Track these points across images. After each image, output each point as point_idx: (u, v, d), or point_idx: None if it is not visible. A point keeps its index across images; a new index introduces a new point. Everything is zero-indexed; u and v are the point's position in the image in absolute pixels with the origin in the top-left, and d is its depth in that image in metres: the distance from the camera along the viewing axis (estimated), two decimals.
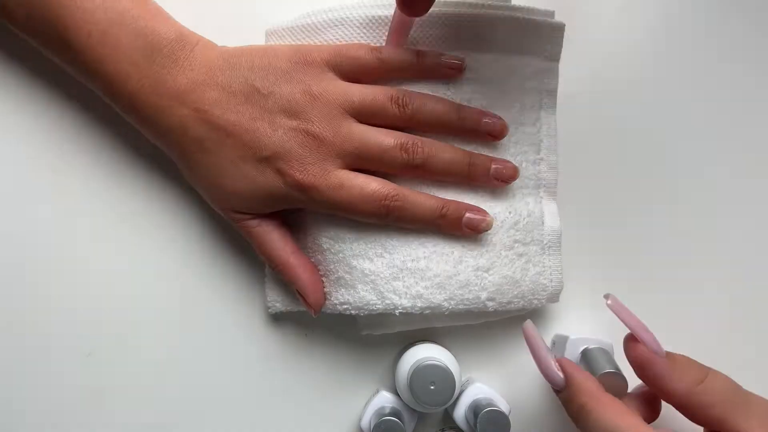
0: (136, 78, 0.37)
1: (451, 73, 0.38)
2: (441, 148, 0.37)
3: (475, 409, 0.39)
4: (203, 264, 0.42)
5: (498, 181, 0.38)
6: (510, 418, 0.38)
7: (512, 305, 0.39)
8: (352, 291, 0.38)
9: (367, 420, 0.40)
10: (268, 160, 0.36)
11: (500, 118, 0.38)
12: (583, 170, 0.44)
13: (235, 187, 0.37)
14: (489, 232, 0.38)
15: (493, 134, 0.38)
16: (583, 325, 0.43)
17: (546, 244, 0.40)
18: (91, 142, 0.42)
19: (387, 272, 0.38)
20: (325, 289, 0.39)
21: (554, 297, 0.41)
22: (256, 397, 0.42)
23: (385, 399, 0.41)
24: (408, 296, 0.37)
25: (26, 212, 0.41)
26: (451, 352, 0.41)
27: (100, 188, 0.42)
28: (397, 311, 0.37)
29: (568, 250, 0.42)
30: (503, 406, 0.40)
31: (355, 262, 0.38)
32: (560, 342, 0.42)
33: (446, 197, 0.38)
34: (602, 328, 0.42)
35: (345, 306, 0.38)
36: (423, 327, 0.41)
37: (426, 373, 0.38)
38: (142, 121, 0.38)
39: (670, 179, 0.44)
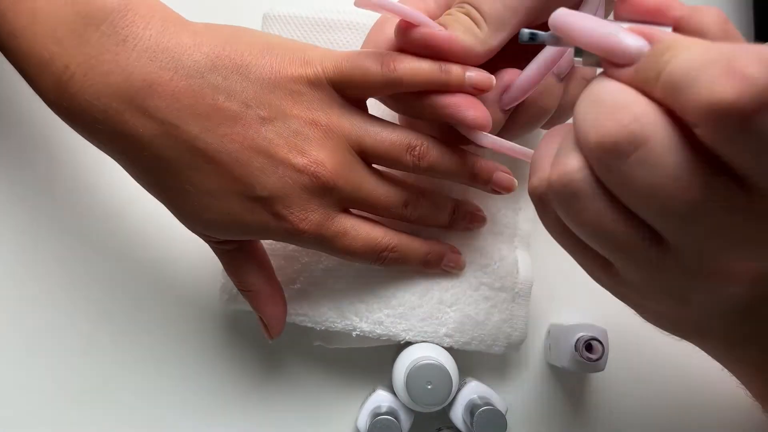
0: (62, 62, 0.27)
1: (475, 93, 0.31)
2: (442, 202, 0.36)
3: (472, 408, 0.39)
4: (202, 262, 0.42)
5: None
6: (507, 417, 0.38)
7: (470, 346, 0.39)
8: (313, 305, 0.38)
9: (363, 419, 0.40)
10: (264, 201, 0.30)
11: (510, 174, 0.35)
12: None
13: (211, 219, 0.31)
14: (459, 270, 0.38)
15: (502, 189, 0.35)
16: (580, 314, 0.43)
17: (516, 292, 0.40)
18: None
19: (351, 292, 0.37)
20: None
21: (515, 347, 0.40)
22: (251, 396, 0.42)
23: (381, 398, 0.40)
24: (368, 321, 0.37)
25: (23, 208, 0.41)
26: (448, 351, 0.41)
27: (97, 188, 0.42)
28: (354, 333, 0.37)
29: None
30: (500, 405, 0.40)
31: (320, 276, 0.37)
32: (555, 331, 0.42)
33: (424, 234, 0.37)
34: (594, 317, 0.43)
35: (302, 318, 0.38)
36: (376, 345, 0.41)
37: (423, 372, 0.38)
38: (72, 118, 0.28)
39: None
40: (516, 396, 0.43)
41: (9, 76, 0.41)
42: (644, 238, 0.23)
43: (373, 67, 0.30)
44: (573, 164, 0.23)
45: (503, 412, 0.38)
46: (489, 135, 0.32)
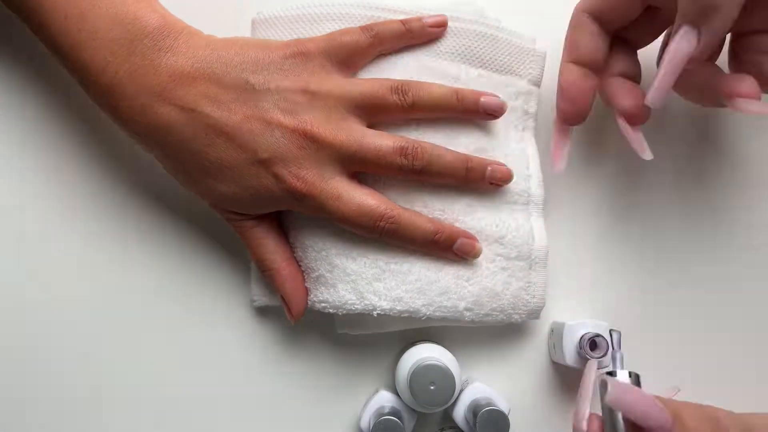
0: (113, 69, 0.34)
1: (436, 33, 0.38)
2: (440, 153, 0.37)
3: (475, 408, 0.39)
4: (200, 262, 0.42)
5: (492, 184, 0.38)
6: (509, 417, 0.38)
7: (490, 318, 0.39)
8: (331, 290, 0.38)
9: (366, 419, 0.40)
10: (265, 163, 0.35)
11: (497, 97, 0.38)
12: (581, 167, 0.44)
13: (228, 190, 0.36)
14: None
15: (491, 112, 0.38)
16: (582, 311, 0.44)
17: (533, 260, 0.40)
18: (77, 137, 0.42)
19: (369, 273, 0.38)
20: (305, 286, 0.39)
21: (535, 314, 0.41)
22: (254, 397, 0.42)
23: (384, 398, 0.40)
24: (388, 298, 0.37)
25: (23, 213, 0.41)
26: (451, 352, 0.41)
27: (94, 188, 0.42)
28: (375, 312, 0.37)
29: (569, 241, 0.43)
30: (503, 405, 0.40)
31: (337, 261, 0.38)
32: (558, 329, 0.42)
33: (437, 206, 0.38)
34: (599, 314, 0.43)
35: (323, 304, 0.38)
36: (399, 329, 0.41)
37: (426, 373, 0.38)
38: (119, 116, 0.35)
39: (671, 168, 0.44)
40: (519, 396, 0.43)
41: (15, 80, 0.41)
42: None
43: (356, 35, 0.36)
44: None
45: (506, 413, 0.38)
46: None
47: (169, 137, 0.35)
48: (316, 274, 0.39)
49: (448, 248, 0.37)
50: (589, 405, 0.35)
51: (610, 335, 0.39)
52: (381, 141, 0.36)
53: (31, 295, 0.41)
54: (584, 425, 0.34)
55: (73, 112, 0.41)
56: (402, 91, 0.36)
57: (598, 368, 0.38)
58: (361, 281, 0.38)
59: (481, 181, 0.38)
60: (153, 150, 0.36)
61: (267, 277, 0.39)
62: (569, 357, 0.40)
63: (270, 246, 0.38)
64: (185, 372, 0.42)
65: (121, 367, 0.42)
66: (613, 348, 0.39)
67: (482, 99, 0.37)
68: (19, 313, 0.41)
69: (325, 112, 0.35)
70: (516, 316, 0.40)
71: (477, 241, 0.38)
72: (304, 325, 0.42)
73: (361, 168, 0.36)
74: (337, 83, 0.36)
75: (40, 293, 0.41)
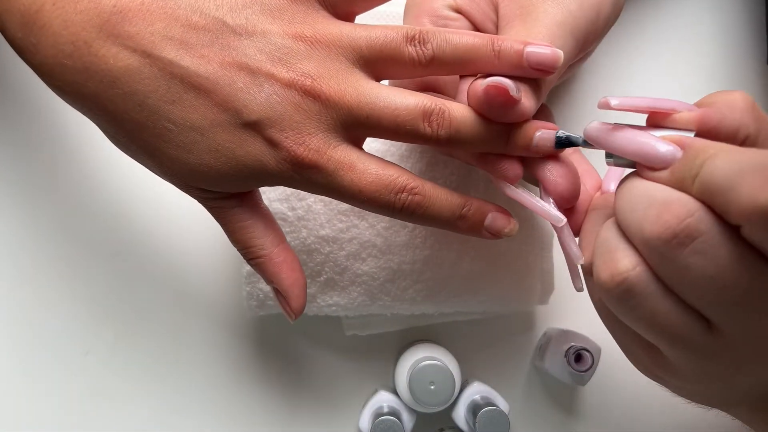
0: None
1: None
2: (470, 119, 0.28)
3: (474, 408, 0.39)
4: (200, 262, 0.42)
5: (536, 152, 0.29)
6: (509, 417, 0.38)
7: (503, 306, 0.39)
8: (342, 292, 0.37)
9: (365, 419, 0.40)
10: (254, 126, 0.27)
11: (549, 46, 0.27)
12: None
13: (199, 162, 0.27)
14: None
15: (542, 67, 0.27)
16: (581, 318, 0.43)
17: (539, 246, 0.40)
18: (84, 141, 0.41)
19: (381, 274, 0.37)
20: (309, 291, 0.37)
21: (544, 299, 0.41)
22: (253, 397, 0.42)
23: (383, 398, 0.40)
24: (401, 299, 0.37)
25: (24, 211, 0.41)
26: (451, 352, 0.41)
27: (92, 189, 0.41)
28: (389, 312, 0.37)
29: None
30: (502, 405, 0.40)
31: (346, 263, 0.37)
32: (550, 334, 0.42)
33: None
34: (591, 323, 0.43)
35: (334, 308, 0.38)
36: (409, 326, 0.41)
37: (425, 372, 0.38)
38: (41, 60, 0.26)
39: None
40: (518, 396, 0.43)
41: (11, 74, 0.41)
42: (697, 327, 0.24)
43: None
44: (626, 263, 0.24)
45: (506, 413, 0.38)
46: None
47: (114, 90, 0.26)
48: (324, 277, 0.37)
49: (479, 225, 0.30)
50: (576, 244, 0.30)
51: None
52: (398, 101, 0.28)
53: (28, 297, 0.41)
54: (581, 258, 0.29)
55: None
56: (421, 40, 0.28)
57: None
58: (373, 283, 0.37)
59: (525, 149, 0.29)
60: (90, 110, 0.28)
61: (255, 267, 0.31)
62: (555, 366, 0.39)
63: (257, 229, 0.30)
64: (183, 373, 0.42)
65: (122, 367, 0.42)
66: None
67: (528, 49, 0.27)
68: (18, 314, 0.41)
69: (326, 64, 0.27)
70: (527, 303, 0.40)
71: (512, 217, 0.30)
72: (304, 325, 0.42)
73: (371, 135, 0.29)
74: (339, 29, 0.28)
75: (34, 295, 0.41)
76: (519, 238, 0.39)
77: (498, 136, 0.28)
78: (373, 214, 0.37)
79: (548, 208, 0.29)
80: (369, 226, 0.37)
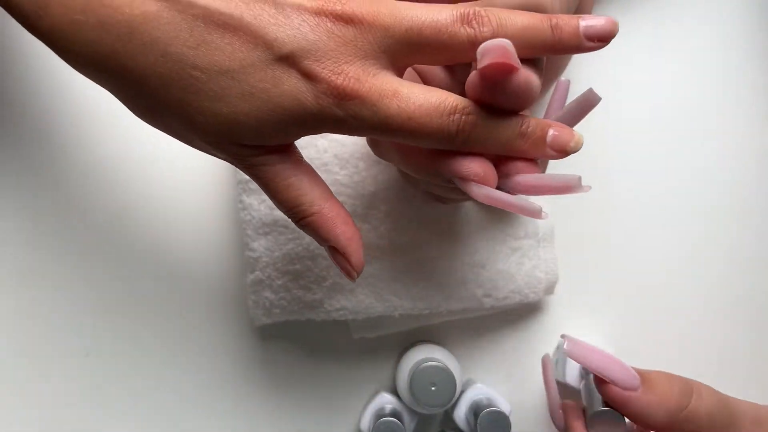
0: None
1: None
2: (511, 13, 0.26)
3: (476, 409, 0.39)
4: (203, 264, 0.42)
5: (590, 41, 0.26)
6: (510, 418, 0.38)
7: (509, 300, 0.39)
8: (349, 296, 0.38)
9: (366, 421, 0.40)
10: (288, 60, 0.25)
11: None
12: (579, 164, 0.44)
13: (235, 110, 0.25)
14: (481, 227, 0.38)
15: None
16: (581, 319, 0.43)
17: (540, 237, 0.40)
18: (85, 143, 0.41)
19: (386, 274, 0.37)
20: (316, 297, 0.38)
21: (550, 289, 0.41)
22: (255, 399, 0.42)
23: (384, 400, 0.40)
24: (408, 297, 0.37)
25: (25, 211, 0.41)
26: (452, 353, 0.41)
27: (94, 188, 0.41)
28: (397, 313, 0.37)
29: (563, 244, 0.42)
30: (504, 406, 0.39)
31: None
32: (562, 346, 0.41)
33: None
34: (600, 322, 0.43)
35: (342, 312, 0.38)
36: (417, 326, 0.41)
37: (427, 374, 0.38)
38: (48, 22, 0.25)
39: (662, 174, 0.44)
40: (519, 397, 0.43)
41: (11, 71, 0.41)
42: None
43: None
44: None
45: (507, 414, 0.38)
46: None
47: (132, 42, 0.24)
48: (330, 282, 0.38)
49: (541, 141, 0.27)
50: (557, 395, 0.36)
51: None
52: (436, 9, 0.26)
53: (28, 298, 0.41)
54: (559, 412, 0.35)
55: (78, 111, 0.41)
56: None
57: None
58: (379, 283, 0.37)
59: (576, 42, 0.26)
60: (108, 73, 0.26)
61: (307, 227, 0.29)
62: (573, 379, 0.40)
63: (304, 185, 0.28)
64: (184, 375, 0.42)
65: (122, 370, 0.42)
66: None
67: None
68: (18, 315, 0.41)
69: None
70: (532, 295, 0.40)
71: (574, 131, 0.27)
72: (304, 326, 0.42)
73: (413, 56, 0.27)
74: None
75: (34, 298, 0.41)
76: (518, 231, 0.39)
77: (544, 29, 0.26)
78: (375, 217, 0.37)
79: (526, 203, 0.26)
80: (372, 228, 0.37)
